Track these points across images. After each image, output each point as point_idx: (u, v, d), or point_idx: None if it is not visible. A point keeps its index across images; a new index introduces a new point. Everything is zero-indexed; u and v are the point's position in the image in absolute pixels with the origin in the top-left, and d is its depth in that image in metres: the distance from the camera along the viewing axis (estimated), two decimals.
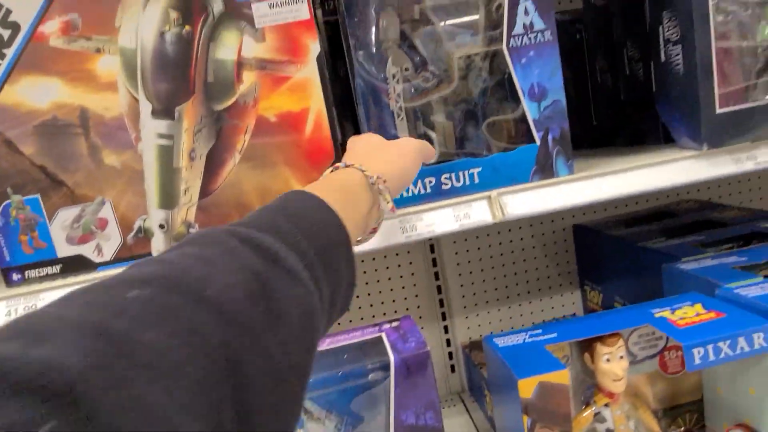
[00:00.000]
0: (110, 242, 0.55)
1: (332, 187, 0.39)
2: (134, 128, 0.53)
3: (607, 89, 0.84)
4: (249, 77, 0.53)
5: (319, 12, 0.80)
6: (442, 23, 0.58)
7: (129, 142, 0.53)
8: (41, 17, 0.51)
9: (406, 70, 0.57)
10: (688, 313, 0.59)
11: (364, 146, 0.49)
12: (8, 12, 0.51)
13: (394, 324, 0.64)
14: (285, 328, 0.25)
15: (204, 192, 0.55)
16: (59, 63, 0.52)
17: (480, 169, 0.58)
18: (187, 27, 0.52)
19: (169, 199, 0.55)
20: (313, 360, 0.28)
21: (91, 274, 0.56)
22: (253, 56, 0.53)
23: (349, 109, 0.73)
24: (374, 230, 0.46)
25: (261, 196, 0.55)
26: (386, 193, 0.43)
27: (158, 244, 0.56)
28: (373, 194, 0.42)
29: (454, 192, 0.58)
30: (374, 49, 0.57)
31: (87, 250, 0.55)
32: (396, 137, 0.55)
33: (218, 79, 0.53)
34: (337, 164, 0.44)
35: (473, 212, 0.58)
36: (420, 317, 1.11)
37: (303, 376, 0.27)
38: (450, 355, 1.13)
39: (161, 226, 0.55)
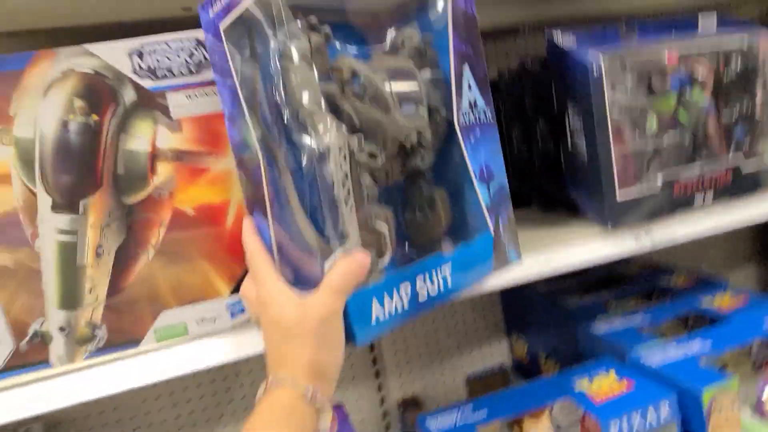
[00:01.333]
0: None
1: (279, 424, 0.37)
2: (31, 224, 0.48)
3: (522, 156, 0.90)
4: (164, 169, 0.50)
5: None
6: (388, 87, 0.45)
7: (24, 239, 0.48)
8: None
9: (359, 144, 0.43)
10: (603, 385, 0.63)
11: (277, 335, 0.41)
12: None
13: None
14: None
15: (113, 290, 0.50)
16: None
17: (451, 265, 0.47)
18: (94, 117, 0.48)
19: (71, 300, 0.50)
20: None
21: None
22: (169, 147, 0.50)
23: None
24: None
25: (176, 291, 0.52)
26: (325, 405, 0.39)
27: (58, 349, 0.50)
28: (312, 407, 0.39)
29: (432, 301, 0.46)
30: (288, 115, 0.41)
31: None
32: (342, 233, 0.41)
33: (129, 171, 0.50)
34: (266, 382, 0.40)
35: None
36: (353, 377, 1.09)
37: None
38: (384, 414, 1.12)
39: (62, 329, 0.50)
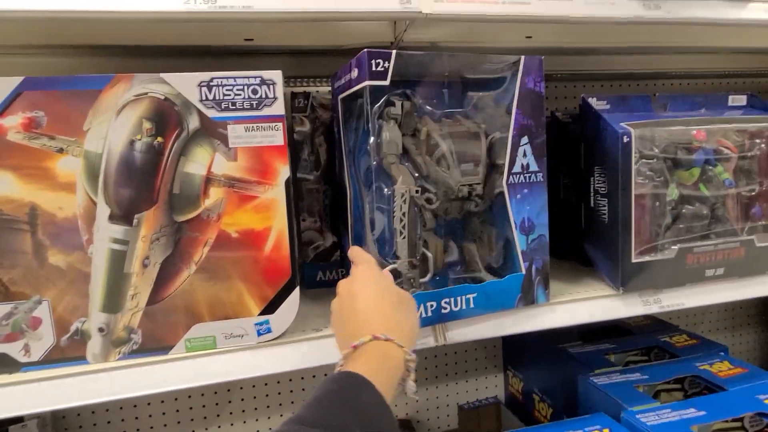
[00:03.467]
0: (41, 342, 0.52)
1: (384, 370, 0.43)
2: (87, 230, 0.52)
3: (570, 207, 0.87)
4: (216, 193, 0.54)
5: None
6: (448, 148, 0.60)
7: (79, 244, 0.52)
8: (2, 110, 0.49)
9: (418, 191, 0.58)
10: None
11: (382, 303, 0.49)
12: None
13: None
14: None
15: (153, 299, 0.54)
16: (14, 158, 0.50)
17: (475, 294, 0.61)
18: (159, 138, 0.52)
19: (113, 304, 0.53)
20: None
21: (14, 375, 0.52)
22: (223, 174, 0.54)
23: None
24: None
25: (211, 306, 0.55)
26: (413, 372, 0.45)
27: (94, 348, 0.54)
28: (404, 368, 0.45)
29: (452, 316, 0.60)
30: (374, 161, 0.57)
31: (12, 350, 0.52)
32: (395, 254, 0.57)
33: (184, 192, 0.53)
34: (378, 336, 0.45)
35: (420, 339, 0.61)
36: None
37: None
38: None
39: (101, 330, 0.53)
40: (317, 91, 0.90)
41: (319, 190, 0.81)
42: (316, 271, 0.80)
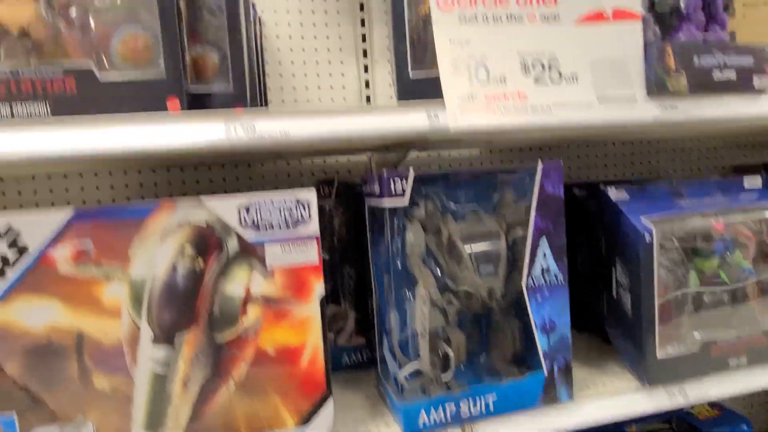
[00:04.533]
0: None
1: None
2: (131, 353, 0.53)
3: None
4: (254, 311, 0.56)
5: None
6: (469, 250, 0.64)
7: (123, 367, 0.53)
8: (53, 242, 0.51)
9: (438, 293, 0.62)
10: None
11: None
12: (17, 234, 0.51)
13: None
14: None
15: (194, 416, 0.55)
16: (64, 287, 0.52)
17: (494, 396, 0.62)
18: (200, 261, 0.54)
19: (155, 422, 0.54)
20: None
21: None
22: (260, 292, 0.56)
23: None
24: None
25: (248, 421, 0.56)
26: None
27: None
28: None
29: (471, 419, 0.62)
30: (399, 263, 0.61)
31: None
32: (417, 353, 0.61)
33: (223, 312, 0.55)
34: None
35: None
36: None
37: None
38: None
39: None
40: (337, 172, 0.93)
41: (342, 274, 0.83)
42: (340, 354, 0.81)
